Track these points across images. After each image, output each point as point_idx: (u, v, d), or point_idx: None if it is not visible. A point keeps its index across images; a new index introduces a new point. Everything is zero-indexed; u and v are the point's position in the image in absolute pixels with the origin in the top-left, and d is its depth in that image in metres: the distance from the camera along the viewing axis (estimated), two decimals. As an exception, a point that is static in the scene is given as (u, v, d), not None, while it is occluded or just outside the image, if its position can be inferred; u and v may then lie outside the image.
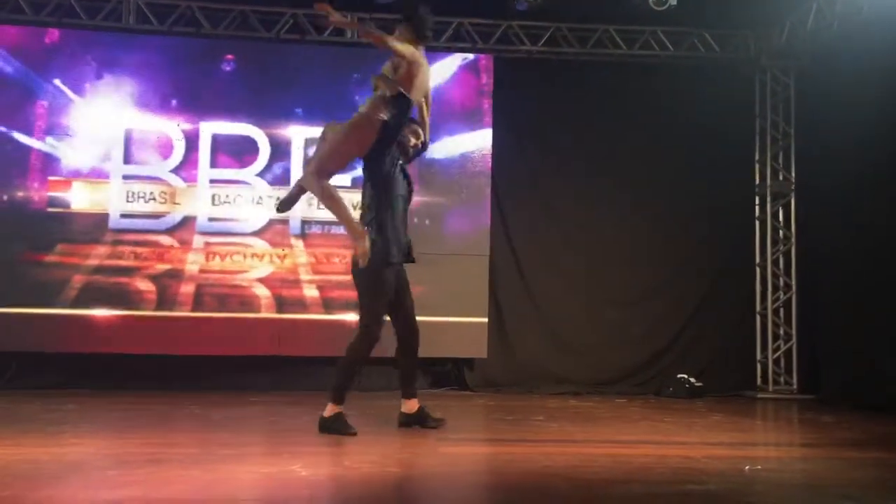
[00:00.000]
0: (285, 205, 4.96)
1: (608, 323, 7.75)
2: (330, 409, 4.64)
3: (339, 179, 7.18)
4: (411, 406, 4.91)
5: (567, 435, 4.99)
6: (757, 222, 7.99)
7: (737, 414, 6.33)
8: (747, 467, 3.95)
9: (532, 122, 7.80)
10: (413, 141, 4.86)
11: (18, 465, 3.67)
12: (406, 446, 4.46)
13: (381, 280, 4.60)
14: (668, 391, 7.37)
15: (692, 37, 7.73)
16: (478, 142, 7.60)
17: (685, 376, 7.40)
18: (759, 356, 7.87)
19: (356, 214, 4.91)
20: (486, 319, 7.47)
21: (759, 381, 7.82)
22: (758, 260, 7.95)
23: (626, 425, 5.51)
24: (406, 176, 4.78)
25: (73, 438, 4.52)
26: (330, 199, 4.65)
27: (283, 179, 7.27)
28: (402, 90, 4.57)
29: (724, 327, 7.84)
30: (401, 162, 4.78)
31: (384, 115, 4.55)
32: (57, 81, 7.07)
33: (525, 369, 7.63)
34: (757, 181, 8.01)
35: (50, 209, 7.02)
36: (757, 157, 8.02)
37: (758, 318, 7.90)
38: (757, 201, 8.01)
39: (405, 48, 4.57)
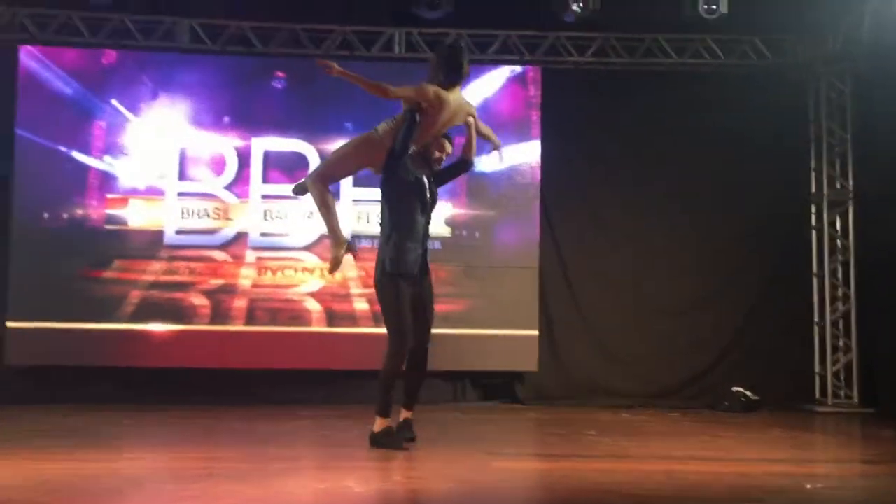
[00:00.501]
0: (299, 189, 5.00)
1: (659, 334, 7.64)
2: (378, 424, 4.66)
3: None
4: (404, 415, 4.88)
5: (621, 450, 4.93)
6: (814, 231, 7.82)
7: (795, 429, 6.19)
8: (808, 485, 3.85)
9: (580, 133, 7.76)
10: (437, 154, 4.85)
11: (79, 479, 3.76)
12: (457, 461, 4.45)
13: (398, 293, 4.61)
14: (723, 405, 7.22)
15: (743, 44, 7.61)
16: (526, 154, 7.58)
17: (740, 389, 7.25)
18: (817, 369, 7.67)
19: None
20: (536, 332, 7.43)
21: (817, 394, 7.63)
22: (815, 270, 7.76)
23: (680, 440, 5.42)
24: (424, 190, 4.72)
25: (129, 453, 4.61)
26: (323, 205, 4.79)
27: (333, 193, 7.29)
28: (414, 109, 4.60)
29: (780, 339, 7.66)
30: (422, 176, 4.74)
31: (394, 137, 4.63)
32: (114, 101, 7.25)
33: (576, 382, 7.56)
34: (813, 189, 7.84)
35: (107, 226, 7.19)
36: (812, 165, 7.85)
37: (816, 329, 7.71)
38: (813, 210, 7.84)
39: (414, 91, 4.61)
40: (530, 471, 4.41)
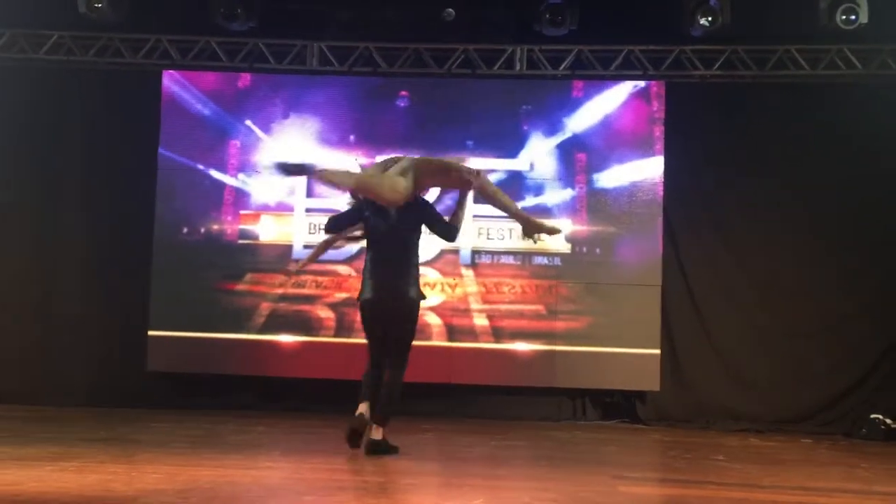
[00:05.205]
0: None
1: (791, 356, 7.34)
2: (384, 433, 4.94)
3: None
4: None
5: (752, 479, 4.76)
6: (961, 250, 7.34)
7: (941, 460, 5.81)
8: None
9: (706, 148, 7.56)
10: None
11: (223, 486, 3.94)
12: (584, 483, 4.41)
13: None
14: (860, 432, 6.87)
15: (883, 54, 7.24)
16: (649, 170, 7.45)
17: (880, 416, 6.87)
18: (964, 396, 7.19)
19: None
20: (658, 351, 7.28)
21: (965, 423, 7.14)
22: (963, 291, 7.29)
23: (816, 470, 5.19)
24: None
25: (267, 461, 4.81)
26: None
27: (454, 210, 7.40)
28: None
29: (925, 363, 7.23)
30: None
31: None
32: (248, 122, 7.60)
33: (700, 403, 7.37)
34: (960, 206, 7.37)
35: (241, 241, 7.53)
36: (961, 180, 7.38)
37: (963, 354, 7.23)
38: (961, 228, 7.37)
39: None
40: (660, 497, 4.32)
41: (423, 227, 5.12)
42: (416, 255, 5.14)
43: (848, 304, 7.38)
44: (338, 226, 5.31)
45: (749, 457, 5.61)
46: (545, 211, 7.47)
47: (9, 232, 7.61)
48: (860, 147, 7.34)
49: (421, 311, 7.30)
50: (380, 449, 4.90)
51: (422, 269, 7.32)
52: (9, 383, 7.30)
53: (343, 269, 7.54)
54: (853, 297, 7.36)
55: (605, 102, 7.51)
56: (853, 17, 6.46)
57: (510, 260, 7.48)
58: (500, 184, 7.40)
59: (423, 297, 5.22)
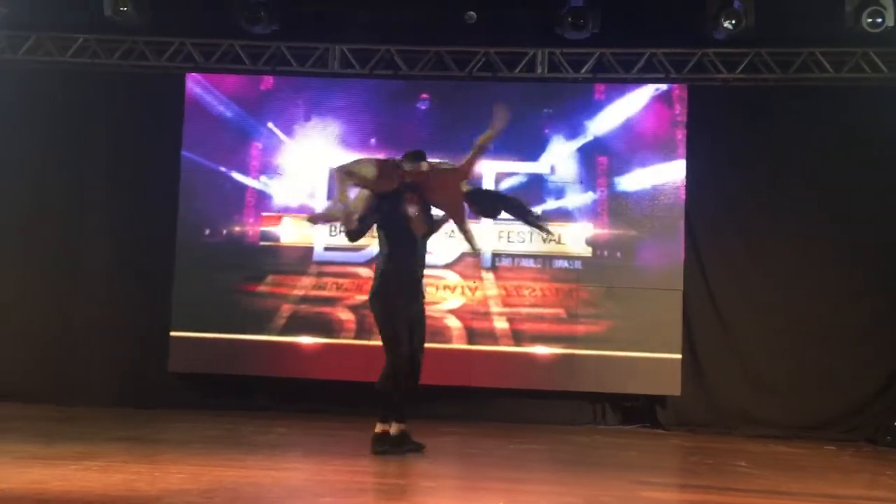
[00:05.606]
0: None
1: (813, 361, 7.27)
2: (388, 429, 5.01)
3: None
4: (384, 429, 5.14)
5: (776, 485, 4.72)
6: None
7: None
8: None
9: (729, 152, 7.51)
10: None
11: (245, 487, 3.97)
12: (604, 488, 4.40)
13: (391, 307, 5.10)
14: (885, 439, 6.79)
15: (910, 57, 7.16)
16: (671, 173, 7.42)
17: (903, 424, 6.81)
18: None
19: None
20: (679, 356, 7.23)
21: None
22: None
23: (840, 477, 5.14)
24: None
25: (287, 462, 4.83)
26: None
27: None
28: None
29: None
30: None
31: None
32: (270, 124, 7.64)
33: (721, 409, 7.31)
34: None
35: (262, 243, 7.57)
36: None
37: None
38: None
39: None
40: (681, 503, 4.29)
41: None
42: (380, 251, 5.34)
43: (872, 308, 7.29)
44: None
45: (771, 463, 5.57)
46: (566, 214, 7.46)
47: (33, 234, 7.68)
48: (884, 151, 7.26)
49: (440, 315, 7.52)
50: (376, 445, 5.01)
51: (442, 272, 7.54)
52: (33, 383, 7.38)
53: (364, 272, 7.55)
54: (877, 301, 7.28)
55: (627, 106, 7.49)
56: (879, 20, 6.40)
57: (530, 263, 7.47)
58: (521, 186, 7.48)
59: (380, 292, 5.17)
